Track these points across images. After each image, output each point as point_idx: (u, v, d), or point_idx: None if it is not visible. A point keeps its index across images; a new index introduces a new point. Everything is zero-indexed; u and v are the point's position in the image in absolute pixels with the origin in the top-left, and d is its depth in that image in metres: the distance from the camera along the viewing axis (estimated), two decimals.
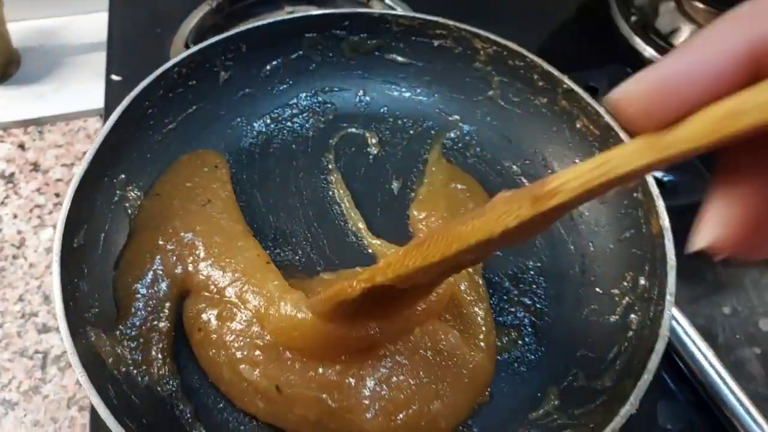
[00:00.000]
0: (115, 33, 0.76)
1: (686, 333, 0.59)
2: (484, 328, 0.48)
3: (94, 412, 0.50)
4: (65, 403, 0.56)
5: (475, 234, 0.30)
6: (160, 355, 0.46)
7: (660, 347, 0.41)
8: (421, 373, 0.45)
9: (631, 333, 0.46)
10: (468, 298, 0.50)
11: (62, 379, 0.59)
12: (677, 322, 0.59)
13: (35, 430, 0.54)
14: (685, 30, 0.79)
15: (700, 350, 0.57)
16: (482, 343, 0.48)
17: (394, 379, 0.44)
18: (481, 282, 0.52)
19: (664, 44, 0.78)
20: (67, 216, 0.45)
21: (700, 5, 0.79)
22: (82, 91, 0.73)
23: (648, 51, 0.77)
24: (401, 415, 0.43)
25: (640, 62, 0.77)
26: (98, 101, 0.70)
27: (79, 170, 0.47)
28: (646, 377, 0.40)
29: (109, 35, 0.75)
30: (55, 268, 0.43)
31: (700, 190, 0.67)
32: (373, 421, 0.43)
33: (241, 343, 0.46)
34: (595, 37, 0.80)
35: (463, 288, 0.50)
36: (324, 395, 0.43)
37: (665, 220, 0.46)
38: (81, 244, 0.46)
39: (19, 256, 0.62)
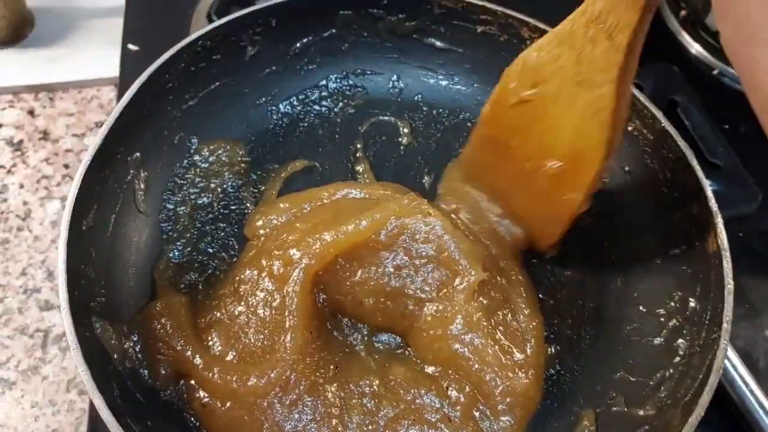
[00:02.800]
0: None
1: (725, 356, 0.55)
2: (532, 342, 0.45)
3: None
4: (65, 386, 0.54)
5: None
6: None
7: (713, 381, 0.38)
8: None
9: (677, 359, 0.42)
10: (520, 303, 0.46)
11: (63, 360, 0.56)
12: None
13: (32, 412, 0.51)
14: None
15: (740, 376, 0.54)
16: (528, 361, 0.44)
17: None
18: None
19: (712, 42, 0.73)
20: (77, 194, 0.42)
21: None
22: (96, 57, 0.69)
23: (695, 47, 0.73)
24: None
25: (686, 59, 0.72)
26: (113, 70, 0.66)
27: (92, 145, 0.44)
28: (698, 413, 0.37)
29: (127, 2, 0.71)
30: (62, 250, 0.40)
31: (748, 202, 0.64)
32: None
33: None
34: None
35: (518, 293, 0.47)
36: None
37: (724, 240, 0.42)
38: (90, 226, 0.43)
39: (24, 228, 0.59)
